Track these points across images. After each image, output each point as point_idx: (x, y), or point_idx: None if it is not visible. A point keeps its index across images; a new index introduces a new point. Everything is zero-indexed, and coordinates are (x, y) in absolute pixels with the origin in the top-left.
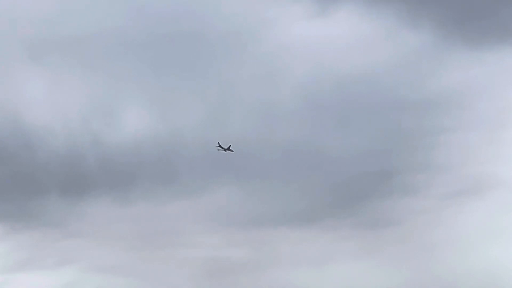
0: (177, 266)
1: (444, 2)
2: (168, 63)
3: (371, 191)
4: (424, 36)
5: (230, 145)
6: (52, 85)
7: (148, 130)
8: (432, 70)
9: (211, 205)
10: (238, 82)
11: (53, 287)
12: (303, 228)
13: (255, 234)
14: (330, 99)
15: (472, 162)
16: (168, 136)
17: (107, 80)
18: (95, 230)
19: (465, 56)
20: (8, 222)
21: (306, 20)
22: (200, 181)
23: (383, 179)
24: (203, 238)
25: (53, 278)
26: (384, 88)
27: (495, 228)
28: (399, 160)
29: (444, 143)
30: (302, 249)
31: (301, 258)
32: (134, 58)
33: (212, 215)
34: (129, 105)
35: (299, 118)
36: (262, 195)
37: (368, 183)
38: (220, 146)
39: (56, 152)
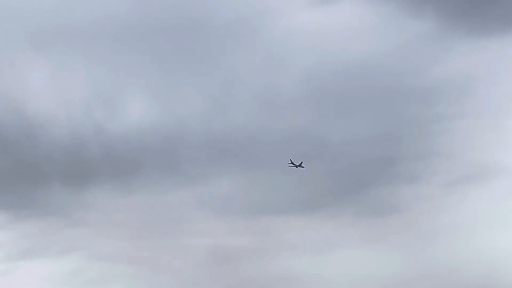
0: (180, 254)
1: None
2: (171, 52)
3: (374, 179)
4: (427, 24)
5: (302, 162)
6: (55, 75)
7: (151, 119)
8: (435, 58)
9: (214, 194)
10: (241, 71)
11: (57, 275)
12: (306, 216)
13: (258, 222)
14: (333, 87)
15: (476, 149)
16: (171, 125)
17: (110, 69)
18: (98, 219)
19: (468, 43)
20: (12, 210)
21: (309, 8)
22: (203, 169)
23: (386, 166)
24: (206, 227)
25: (57, 266)
26: (387, 75)
27: (498, 215)
28: (402, 147)
29: (447, 130)
30: (305, 237)
31: (304, 245)
32: (137, 47)
33: (215, 203)
34: (132, 94)
35: (302, 106)
36: (265, 183)
37: (371, 171)
38: (292, 162)
39: (59, 141)
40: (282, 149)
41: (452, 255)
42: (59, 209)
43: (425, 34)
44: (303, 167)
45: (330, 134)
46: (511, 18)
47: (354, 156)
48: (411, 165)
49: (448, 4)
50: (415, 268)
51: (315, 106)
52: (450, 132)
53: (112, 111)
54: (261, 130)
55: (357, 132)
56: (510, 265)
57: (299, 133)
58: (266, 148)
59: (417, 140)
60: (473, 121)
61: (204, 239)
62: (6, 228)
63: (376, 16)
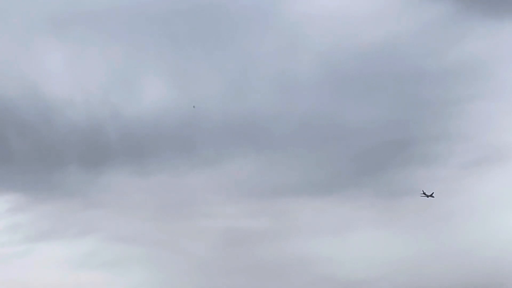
0: (196, 236)
1: None
2: (188, 36)
3: (390, 161)
4: (444, 6)
5: (433, 193)
6: (73, 58)
7: (167, 102)
8: (453, 40)
9: (230, 176)
10: (258, 54)
11: (75, 256)
12: (323, 198)
13: (275, 204)
14: (351, 70)
15: (492, 131)
16: (188, 108)
17: (127, 52)
18: (115, 201)
19: (486, 25)
20: (30, 193)
21: None
22: (219, 152)
23: (403, 148)
24: (222, 208)
25: (75, 247)
26: (405, 58)
27: None
28: (419, 130)
29: (464, 112)
30: (321, 219)
31: (320, 227)
32: (154, 30)
33: (231, 185)
34: (148, 77)
35: (319, 89)
36: (281, 165)
37: (388, 153)
38: (424, 193)
39: (76, 124)
40: (298, 131)
41: (468, 237)
42: (76, 191)
43: (442, 17)
44: (433, 197)
45: (347, 117)
46: None
47: (371, 138)
48: (428, 147)
49: None
50: (430, 250)
51: (332, 89)
52: (467, 114)
53: (129, 95)
54: (277, 113)
55: (374, 115)
56: None
57: (315, 116)
58: (282, 130)
59: (433, 122)
60: (490, 103)
61: (220, 221)
62: (24, 210)
63: None
